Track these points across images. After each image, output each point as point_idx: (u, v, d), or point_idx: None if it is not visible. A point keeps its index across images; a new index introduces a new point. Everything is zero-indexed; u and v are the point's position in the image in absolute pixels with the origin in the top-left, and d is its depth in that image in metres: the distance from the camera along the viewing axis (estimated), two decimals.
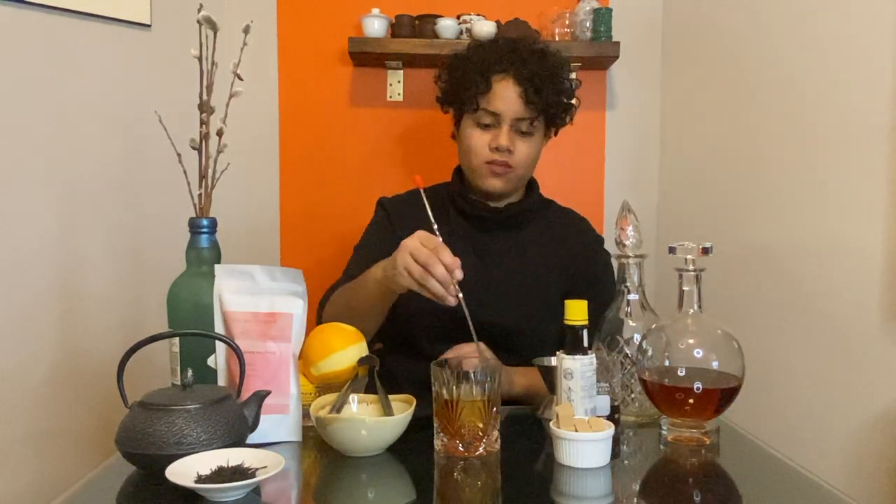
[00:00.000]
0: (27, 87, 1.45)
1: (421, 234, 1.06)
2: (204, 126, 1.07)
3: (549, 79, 1.28)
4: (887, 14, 1.17)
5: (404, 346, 1.28)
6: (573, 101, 1.36)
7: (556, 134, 1.40)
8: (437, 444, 0.92)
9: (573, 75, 1.96)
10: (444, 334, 1.25)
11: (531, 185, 1.42)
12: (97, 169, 1.57)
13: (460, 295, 1.05)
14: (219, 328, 0.98)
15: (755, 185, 1.54)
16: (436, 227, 1.11)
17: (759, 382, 1.17)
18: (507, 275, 1.32)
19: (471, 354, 1.09)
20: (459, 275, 1.03)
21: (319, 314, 1.31)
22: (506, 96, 1.27)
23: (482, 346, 1.11)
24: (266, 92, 1.95)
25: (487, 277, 1.29)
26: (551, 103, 1.29)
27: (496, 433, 0.92)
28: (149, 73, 1.66)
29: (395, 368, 1.29)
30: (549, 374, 1.04)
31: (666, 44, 2.00)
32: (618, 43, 1.84)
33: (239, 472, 0.78)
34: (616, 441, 0.90)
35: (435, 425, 0.92)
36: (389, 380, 1.01)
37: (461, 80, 1.31)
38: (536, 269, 1.32)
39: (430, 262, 1.02)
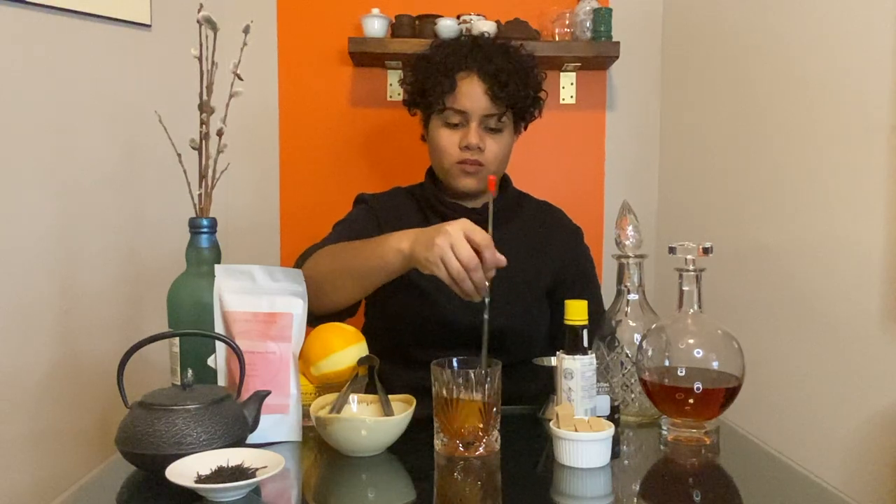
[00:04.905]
0: (27, 87, 1.45)
1: (465, 225, 0.99)
2: (204, 126, 1.07)
3: (514, 73, 1.27)
4: (887, 14, 1.17)
5: (395, 354, 1.27)
6: (541, 95, 1.35)
7: (525, 128, 1.39)
8: (437, 444, 0.92)
9: (574, 76, 1.97)
10: (434, 340, 1.25)
11: (505, 181, 1.41)
12: (97, 169, 1.57)
13: (487, 300, 1.00)
14: (219, 328, 0.98)
15: (755, 184, 1.54)
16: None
17: (759, 382, 1.17)
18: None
19: None
20: (491, 274, 0.99)
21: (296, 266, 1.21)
22: (472, 94, 1.26)
23: None
24: (266, 92, 1.95)
25: None
26: (518, 97, 1.29)
27: (496, 433, 0.92)
28: (149, 73, 1.66)
29: (386, 375, 1.28)
30: (549, 374, 1.04)
31: (666, 44, 2.00)
32: (618, 43, 1.84)
33: (239, 472, 0.78)
34: (616, 441, 0.90)
35: (435, 425, 0.92)
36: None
37: (425, 81, 1.30)
38: (521, 267, 1.32)
39: (472, 265, 0.96)
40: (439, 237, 0.97)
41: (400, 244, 1.05)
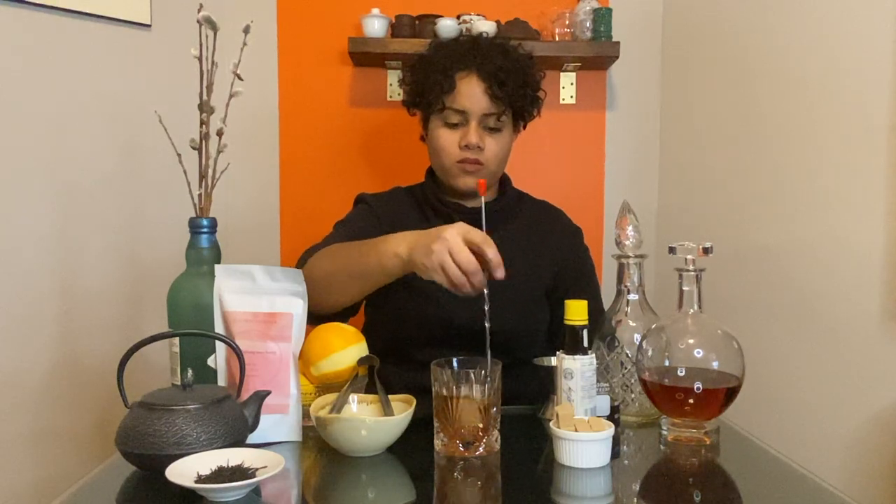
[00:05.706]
0: (27, 87, 1.45)
1: (462, 229, 0.98)
2: (204, 126, 1.07)
3: (512, 72, 1.28)
4: (887, 14, 1.17)
5: (395, 354, 1.27)
6: (540, 94, 1.36)
7: (524, 127, 1.39)
8: (437, 444, 0.92)
9: (574, 76, 1.97)
10: (434, 340, 1.25)
11: (504, 181, 1.41)
12: (97, 169, 1.57)
13: (486, 307, 1.00)
14: (219, 328, 0.98)
15: (755, 185, 1.54)
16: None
17: (759, 382, 1.17)
18: None
19: None
20: (500, 274, 0.98)
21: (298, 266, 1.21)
22: (471, 93, 1.27)
23: None
24: (266, 92, 1.95)
25: None
26: (517, 96, 1.29)
27: (496, 433, 0.92)
28: (149, 73, 1.66)
29: (386, 375, 1.28)
30: (549, 374, 1.04)
31: (666, 44, 2.00)
32: (618, 43, 1.84)
33: (239, 472, 0.78)
34: (616, 441, 0.90)
35: (435, 425, 0.92)
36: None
37: (424, 81, 1.30)
38: (521, 267, 1.32)
39: (471, 269, 0.96)
40: (437, 243, 0.97)
41: (398, 248, 1.04)
